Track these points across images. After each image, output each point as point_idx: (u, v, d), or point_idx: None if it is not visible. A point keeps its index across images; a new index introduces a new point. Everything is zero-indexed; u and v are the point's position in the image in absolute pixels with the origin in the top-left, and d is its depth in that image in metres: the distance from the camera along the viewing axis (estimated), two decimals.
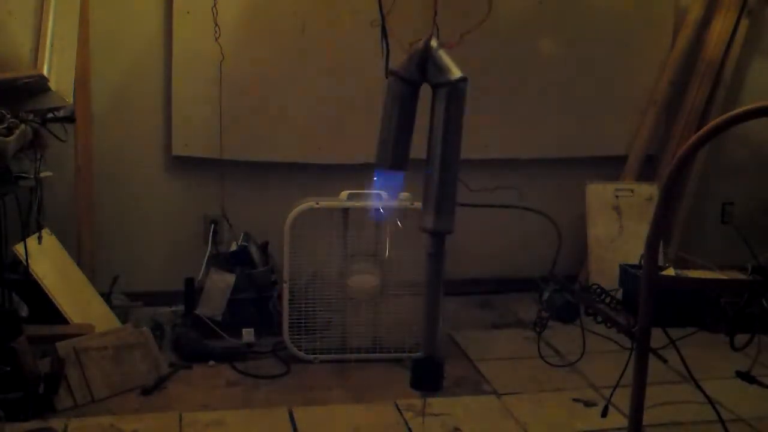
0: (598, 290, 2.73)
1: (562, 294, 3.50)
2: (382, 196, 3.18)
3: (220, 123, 3.59)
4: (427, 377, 2.88)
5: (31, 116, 2.82)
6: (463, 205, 2.53)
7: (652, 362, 1.93)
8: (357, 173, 3.60)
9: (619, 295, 2.98)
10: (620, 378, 2.34)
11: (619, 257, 3.58)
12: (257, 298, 3.42)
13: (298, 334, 3.19)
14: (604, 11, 3.97)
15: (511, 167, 3.92)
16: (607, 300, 2.68)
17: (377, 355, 3.22)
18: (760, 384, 2.28)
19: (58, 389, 2.69)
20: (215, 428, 2.65)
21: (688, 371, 2.28)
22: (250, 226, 3.62)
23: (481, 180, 3.10)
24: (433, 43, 2.12)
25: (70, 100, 3.03)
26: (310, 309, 3.19)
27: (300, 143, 3.76)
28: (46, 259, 3.11)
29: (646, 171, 4.12)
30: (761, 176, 4.26)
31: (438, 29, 2.96)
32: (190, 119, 3.66)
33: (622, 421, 2.56)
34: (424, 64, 2.11)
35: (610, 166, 4.12)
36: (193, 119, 3.67)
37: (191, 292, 3.43)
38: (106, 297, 3.36)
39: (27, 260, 2.97)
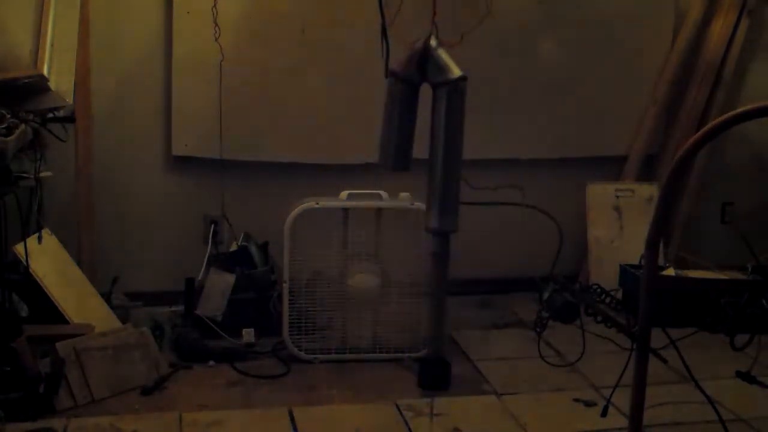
0: (598, 290, 2.73)
1: (562, 294, 3.50)
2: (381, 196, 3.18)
3: (220, 123, 3.59)
4: (435, 376, 2.90)
5: (31, 116, 2.82)
6: (466, 203, 2.53)
7: (652, 362, 1.93)
8: (357, 173, 3.61)
9: (619, 295, 2.98)
10: (620, 378, 2.34)
11: (619, 257, 3.58)
12: (257, 298, 3.41)
13: (298, 334, 3.19)
14: (604, 11, 3.97)
15: (511, 167, 3.92)
16: (607, 300, 2.69)
17: (377, 355, 3.21)
18: (760, 384, 2.28)
19: (58, 389, 2.69)
20: (215, 428, 2.65)
21: (688, 371, 2.28)
22: (250, 226, 3.62)
23: (481, 180, 3.10)
24: (433, 42, 2.12)
25: (70, 100, 3.03)
26: (310, 309, 3.19)
27: (300, 143, 3.76)
28: (46, 259, 3.11)
29: (646, 171, 4.12)
30: (761, 176, 4.26)
31: (437, 29, 2.95)
32: (190, 119, 3.66)
33: (622, 421, 2.56)
34: (424, 63, 2.12)
35: (610, 166, 4.12)
36: (193, 119, 3.67)
37: (191, 292, 3.43)
38: (106, 297, 3.36)
39: (27, 260, 2.97)
